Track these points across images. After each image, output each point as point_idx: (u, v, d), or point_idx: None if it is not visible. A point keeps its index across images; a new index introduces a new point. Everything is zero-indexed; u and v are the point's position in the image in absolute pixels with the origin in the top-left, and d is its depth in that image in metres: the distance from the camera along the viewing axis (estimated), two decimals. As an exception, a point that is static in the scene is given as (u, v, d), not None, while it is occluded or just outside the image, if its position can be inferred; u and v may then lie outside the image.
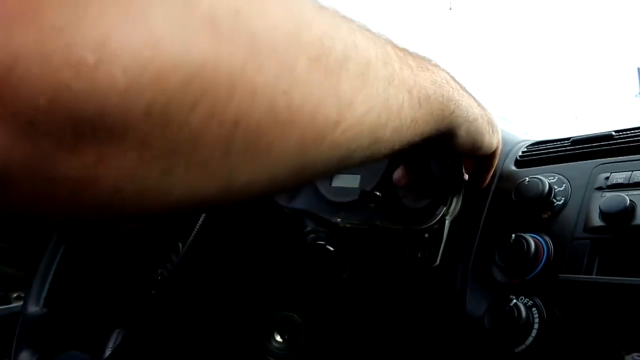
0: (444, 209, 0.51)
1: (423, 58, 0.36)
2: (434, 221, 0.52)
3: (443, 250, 0.53)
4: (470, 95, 0.42)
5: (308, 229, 0.55)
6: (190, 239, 0.37)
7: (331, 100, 0.25)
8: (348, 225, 0.57)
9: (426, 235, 0.54)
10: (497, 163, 0.57)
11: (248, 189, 0.24)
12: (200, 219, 0.37)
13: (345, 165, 0.29)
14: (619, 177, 0.47)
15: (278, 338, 0.55)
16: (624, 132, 0.53)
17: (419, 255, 0.55)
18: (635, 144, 0.50)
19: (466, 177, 0.53)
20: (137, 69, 0.17)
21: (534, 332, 0.43)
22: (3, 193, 0.16)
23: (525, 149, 0.58)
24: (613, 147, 0.51)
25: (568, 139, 0.56)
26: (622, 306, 0.40)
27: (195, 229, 0.37)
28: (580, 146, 0.54)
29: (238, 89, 0.20)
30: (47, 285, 0.56)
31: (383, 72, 0.29)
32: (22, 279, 1.08)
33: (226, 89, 0.19)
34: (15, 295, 1.04)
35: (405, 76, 0.31)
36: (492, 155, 0.48)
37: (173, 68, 0.17)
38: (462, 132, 0.40)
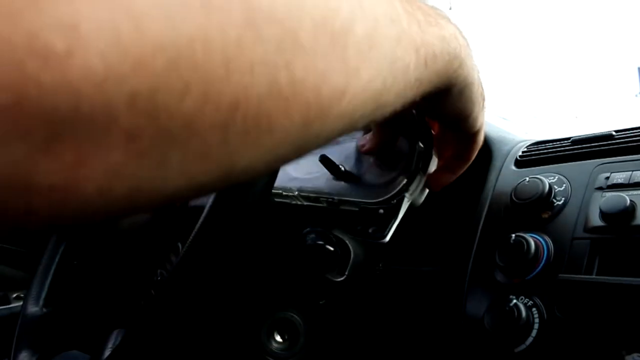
0: (404, 182, 0.48)
1: (431, 9, 0.33)
2: (392, 194, 0.49)
3: (399, 228, 0.51)
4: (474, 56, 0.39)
5: (307, 229, 0.55)
6: (190, 240, 0.37)
7: (337, 68, 0.22)
8: (303, 196, 0.55)
9: (381, 211, 0.51)
10: (497, 163, 0.57)
11: (248, 171, 0.22)
12: (200, 220, 0.37)
13: (350, 131, 0.27)
14: (619, 177, 0.47)
15: (278, 338, 0.55)
16: (624, 132, 0.53)
17: (370, 231, 0.52)
18: (636, 143, 0.50)
19: (434, 164, 0.50)
20: (117, 54, 0.14)
21: (534, 332, 0.43)
22: None
23: (526, 149, 0.58)
24: (613, 147, 0.51)
25: (568, 138, 0.56)
26: (622, 306, 0.40)
27: (195, 230, 0.37)
28: (581, 146, 0.54)
29: (234, 65, 0.18)
30: (46, 285, 0.56)
31: (390, 31, 0.26)
32: (21, 279, 1.08)
33: (221, 66, 0.17)
34: (14, 295, 1.04)
35: (413, 34, 0.29)
36: (475, 134, 0.45)
37: (158, 48, 0.15)
38: (455, 93, 0.38)
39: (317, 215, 0.55)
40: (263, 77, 0.19)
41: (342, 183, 0.53)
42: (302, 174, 0.57)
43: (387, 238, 0.51)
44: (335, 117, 0.23)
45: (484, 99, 0.42)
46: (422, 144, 0.48)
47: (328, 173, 0.54)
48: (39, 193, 0.15)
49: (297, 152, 0.24)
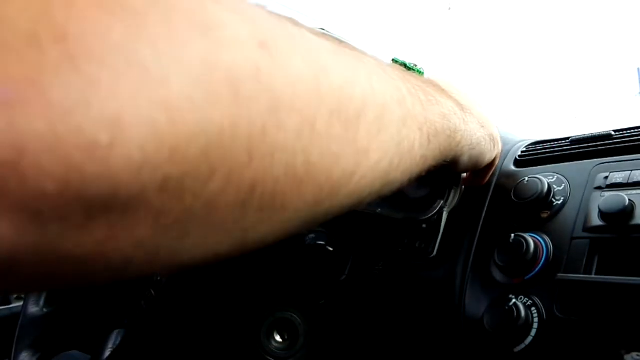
0: (442, 202, 0.51)
1: (429, 86, 0.35)
2: (432, 213, 0.52)
3: (441, 244, 0.53)
4: (473, 114, 0.41)
5: (308, 229, 0.55)
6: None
7: (349, 151, 0.24)
8: None
9: (424, 225, 0.54)
10: (497, 163, 0.58)
11: (259, 243, 0.23)
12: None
13: (356, 208, 0.28)
14: (618, 177, 0.47)
15: (278, 338, 0.55)
16: (623, 132, 0.53)
17: (417, 245, 0.55)
18: (635, 143, 0.50)
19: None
20: (154, 145, 0.15)
21: (533, 332, 0.43)
22: (7, 277, 0.15)
23: (525, 149, 0.58)
24: (612, 146, 0.51)
25: (567, 138, 0.57)
26: (621, 306, 0.40)
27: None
28: (580, 146, 0.54)
29: (257, 151, 0.19)
30: (47, 286, 0.57)
31: (397, 113, 0.28)
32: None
33: (245, 152, 0.18)
34: (15, 295, 1.04)
35: (417, 114, 0.30)
36: (491, 163, 0.49)
37: (191, 139, 0.16)
38: (464, 159, 0.40)
39: (361, 227, 0.57)
40: (282, 161, 0.20)
41: (383, 197, 0.55)
42: None
43: (435, 252, 0.53)
44: (345, 196, 0.25)
45: (493, 140, 0.45)
46: None
47: None
48: (70, 262, 0.16)
49: (305, 227, 0.25)
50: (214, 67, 0.17)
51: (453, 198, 0.52)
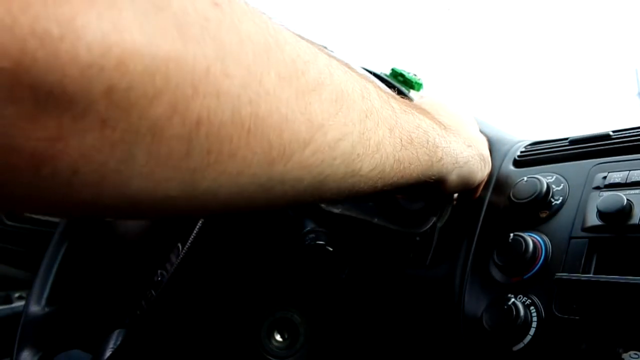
0: (434, 219, 0.53)
1: (409, 103, 0.36)
2: (426, 228, 0.53)
3: (436, 251, 0.54)
4: (459, 134, 0.41)
5: (307, 229, 0.55)
6: (190, 240, 0.37)
7: (300, 118, 0.25)
8: (347, 214, 0.58)
9: (417, 238, 0.55)
10: (495, 163, 0.58)
11: (213, 195, 0.23)
12: (201, 220, 0.37)
13: (321, 194, 0.29)
14: (617, 177, 0.47)
15: (278, 338, 0.55)
16: (622, 132, 0.53)
17: (411, 256, 0.56)
18: (633, 143, 0.50)
19: None
20: (100, 49, 0.17)
21: (532, 331, 0.43)
22: None
23: (524, 149, 0.59)
24: (611, 146, 0.52)
25: (566, 138, 0.57)
26: (619, 305, 0.40)
27: (195, 230, 0.37)
28: (578, 146, 0.54)
29: (201, 89, 0.20)
30: (49, 285, 0.57)
31: (360, 105, 0.29)
32: (24, 279, 1.08)
33: (189, 87, 0.20)
34: (17, 295, 1.04)
35: (385, 115, 0.31)
36: (477, 187, 0.49)
37: (136, 56, 0.18)
38: (452, 178, 0.40)
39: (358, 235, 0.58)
40: (227, 105, 0.21)
41: (379, 207, 0.57)
42: None
43: (427, 262, 0.55)
44: (299, 164, 0.25)
45: (483, 159, 0.45)
46: None
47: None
48: (20, 156, 0.17)
49: (263, 192, 0.25)
50: (164, 7, 0.19)
51: (446, 212, 0.53)
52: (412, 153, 0.33)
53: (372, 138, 0.30)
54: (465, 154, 0.41)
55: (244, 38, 0.22)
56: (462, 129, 0.42)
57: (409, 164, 0.33)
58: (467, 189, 0.45)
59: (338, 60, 0.29)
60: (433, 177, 0.37)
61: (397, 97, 0.34)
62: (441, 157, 0.37)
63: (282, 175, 0.25)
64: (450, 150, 0.38)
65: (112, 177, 0.20)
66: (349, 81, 0.29)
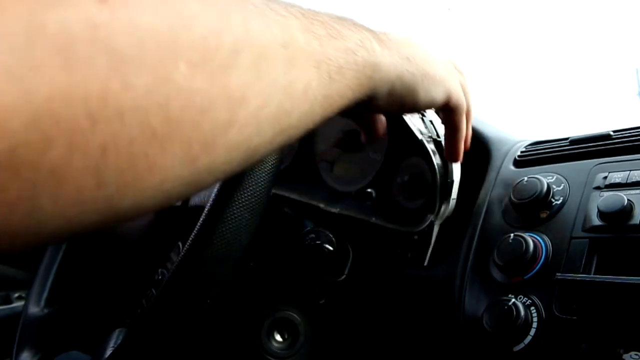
0: (431, 217, 0.52)
1: (337, 21, 0.32)
2: (423, 226, 0.53)
3: (436, 250, 0.54)
4: (398, 48, 0.37)
5: (307, 229, 0.55)
6: (190, 239, 0.37)
7: (219, 102, 0.23)
8: (345, 213, 0.58)
9: (415, 237, 0.55)
10: (496, 163, 0.58)
11: (137, 208, 0.22)
12: (201, 220, 0.37)
13: (252, 161, 0.27)
14: (617, 177, 0.47)
15: (278, 337, 0.55)
16: (622, 132, 0.53)
17: (409, 255, 0.56)
18: (633, 143, 0.50)
19: (457, 180, 0.53)
20: None
21: (532, 331, 0.43)
22: None
23: (524, 149, 0.58)
24: (611, 146, 0.52)
25: (566, 138, 0.57)
26: (620, 305, 0.40)
27: (196, 230, 0.37)
28: (579, 146, 0.54)
29: (99, 115, 0.18)
30: (48, 285, 0.57)
31: (282, 55, 0.26)
32: (23, 279, 1.08)
33: (85, 119, 0.18)
34: (16, 295, 1.04)
35: (311, 51, 0.28)
36: (451, 111, 0.44)
37: (15, 111, 0.16)
38: (383, 95, 0.37)
39: (357, 234, 0.59)
40: (134, 121, 0.19)
41: (377, 206, 0.58)
42: (342, 187, 0.62)
43: (426, 263, 0.55)
44: (225, 148, 0.23)
45: (429, 78, 0.40)
46: (440, 171, 0.52)
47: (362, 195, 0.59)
48: None
49: (190, 187, 0.24)
50: (37, 32, 0.16)
51: (444, 211, 0.53)
52: (341, 84, 0.31)
53: (298, 86, 0.27)
54: (401, 68, 0.37)
55: (143, 35, 0.20)
56: (404, 45, 0.38)
57: (339, 97, 0.31)
58: (406, 108, 0.41)
59: (255, 4, 0.26)
60: (361, 97, 0.34)
61: (327, 19, 0.31)
62: (370, 75, 0.34)
63: (208, 166, 0.23)
64: (381, 66, 0.35)
65: (21, 231, 0.18)
66: (268, 31, 0.26)
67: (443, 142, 0.53)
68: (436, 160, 0.52)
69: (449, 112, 0.44)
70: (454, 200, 0.53)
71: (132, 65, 0.19)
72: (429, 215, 0.52)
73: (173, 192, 0.23)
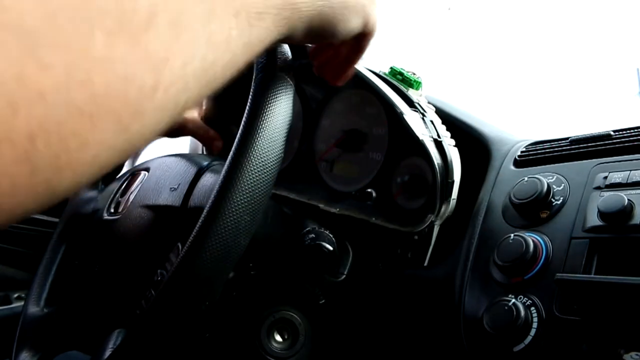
0: (432, 216, 0.52)
1: None
2: (423, 227, 0.53)
3: (436, 251, 0.54)
4: None
5: (307, 229, 0.55)
6: (189, 241, 0.37)
7: (142, 67, 0.22)
8: (345, 213, 0.59)
9: (416, 237, 0.55)
10: (496, 163, 0.58)
11: (76, 185, 0.22)
12: (200, 221, 0.37)
13: (183, 113, 0.27)
14: (617, 177, 0.47)
15: (278, 338, 0.55)
16: (622, 132, 0.53)
17: (409, 256, 0.56)
18: (634, 143, 0.50)
19: (457, 180, 0.53)
20: None
21: (532, 332, 0.43)
22: None
23: (524, 149, 0.58)
24: (611, 146, 0.51)
25: (566, 138, 0.57)
26: (620, 305, 0.40)
27: (194, 231, 0.37)
28: (579, 146, 0.54)
29: (20, 100, 0.18)
30: (47, 286, 0.56)
31: (200, 9, 0.26)
32: (23, 279, 1.08)
33: (5, 106, 0.17)
34: (16, 295, 1.04)
35: (228, 0, 0.28)
36: (364, 36, 0.43)
37: None
38: (301, 31, 0.37)
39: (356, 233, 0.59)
40: (57, 101, 0.19)
41: (377, 207, 0.58)
42: (341, 187, 0.62)
43: (426, 263, 0.55)
44: (154, 111, 0.24)
45: (349, 8, 0.40)
46: (441, 173, 0.52)
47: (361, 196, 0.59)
48: None
49: (124, 153, 0.24)
50: None
51: (444, 211, 0.53)
52: (260, 29, 0.31)
53: (219, 38, 0.27)
54: (318, 4, 0.37)
55: (54, 10, 0.19)
56: None
57: (259, 41, 0.31)
58: (326, 39, 0.40)
59: None
60: (279, 37, 0.34)
61: None
62: (288, 16, 0.34)
63: (140, 131, 0.23)
64: (298, 5, 0.35)
65: None
66: None
67: (444, 142, 0.53)
68: (437, 160, 0.52)
69: (362, 37, 0.44)
70: (454, 201, 0.53)
71: (45, 41, 0.18)
72: (429, 215, 0.52)
73: (108, 162, 0.23)
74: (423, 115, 0.54)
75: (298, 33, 0.36)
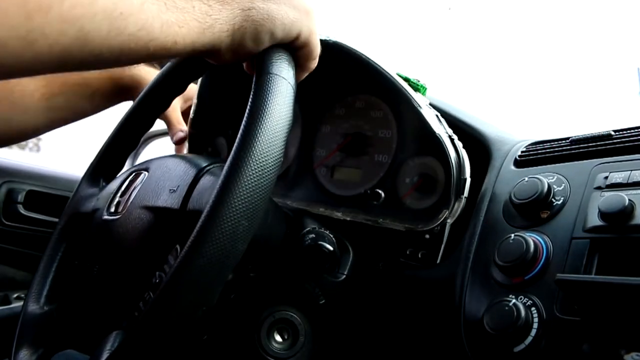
0: (447, 212, 0.52)
1: None
2: (437, 224, 0.53)
3: (443, 250, 0.54)
4: (233, 1, 0.39)
5: (307, 229, 0.55)
6: (187, 244, 0.37)
7: None
8: (349, 219, 0.59)
9: (427, 236, 0.55)
10: (496, 163, 0.58)
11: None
12: (198, 225, 0.37)
13: (89, 51, 0.30)
14: (618, 177, 0.47)
15: (278, 338, 0.55)
16: (623, 132, 0.53)
17: (420, 255, 0.56)
18: (634, 143, 0.50)
19: (468, 179, 0.53)
20: None
21: (533, 332, 0.43)
22: None
23: (525, 149, 0.58)
24: (612, 146, 0.51)
25: (567, 138, 0.56)
26: (621, 306, 0.40)
27: (193, 235, 0.37)
28: (579, 146, 0.54)
29: None
30: (47, 284, 0.56)
31: None
32: (22, 279, 1.08)
33: None
34: (15, 295, 1.04)
35: None
36: (297, 50, 0.44)
37: None
38: (225, 47, 0.39)
39: (361, 235, 0.59)
40: None
41: (384, 208, 0.58)
42: (342, 191, 0.63)
43: (438, 261, 0.55)
44: (58, 17, 0.28)
45: (273, 18, 0.40)
46: (455, 170, 0.53)
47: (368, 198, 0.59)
48: None
49: (26, 45, 0.27)
50: None
51: (457, 208, 0.53)
52: (179, 16, 0.34)
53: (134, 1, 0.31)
54: (239, 20, 0.39)
55: None
56: None
57: (179, 27, 0.34)
58: (252, 53, 0.41)
59: None
60: (207, 46, 0.37)
61: None
62: (211, 24, 0.37)
63: (43, 28, 0.27)
64: (221, 15, 0.37)
65: None
66: None
67: (455, 140, 0.54)
68: (452, 155, 0.52)
69: (294, 50, 0.44)
70: (465, 199, 0.53)
71: None
72: (444, 211, 0.52)
73: (8, 44, 0.27)
74: (436, 113, 0.55)
75: (224, 48, 0.39)
